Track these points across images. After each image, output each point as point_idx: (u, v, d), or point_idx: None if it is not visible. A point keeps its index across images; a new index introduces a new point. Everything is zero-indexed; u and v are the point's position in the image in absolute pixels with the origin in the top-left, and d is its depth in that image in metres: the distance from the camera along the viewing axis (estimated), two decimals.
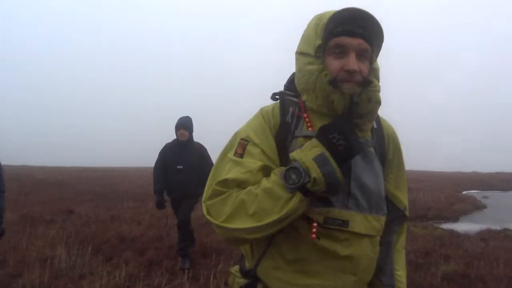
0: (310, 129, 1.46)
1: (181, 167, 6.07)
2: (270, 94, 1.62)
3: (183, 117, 6.33)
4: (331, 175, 1.27)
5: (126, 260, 5.98)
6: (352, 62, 1.36)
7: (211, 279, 4.97)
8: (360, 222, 1.43)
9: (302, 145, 1.37)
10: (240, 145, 1.48)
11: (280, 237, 1.43)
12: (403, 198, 1.65)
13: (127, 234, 7.75)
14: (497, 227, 10.42)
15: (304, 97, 1.49)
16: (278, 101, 1.57)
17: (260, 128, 1.50)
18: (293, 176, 1.28)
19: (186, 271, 5.34)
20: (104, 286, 4.81)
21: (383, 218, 1.51)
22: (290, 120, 1.48)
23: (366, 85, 1.39)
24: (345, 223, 1.40)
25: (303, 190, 1.29)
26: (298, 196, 1.30)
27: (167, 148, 6.34)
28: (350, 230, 1.41)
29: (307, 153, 1.30)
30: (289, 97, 1.55)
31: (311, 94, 1.45)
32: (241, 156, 1.45)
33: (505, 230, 10.04)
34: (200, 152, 6.26)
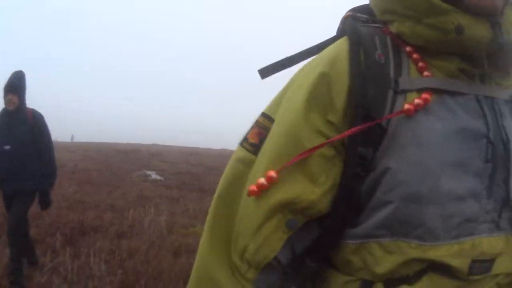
0: (426, 73, 0.77)
1: (9, 147, 4.33)
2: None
3: (12, 74, 4.40)
4: None
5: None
6: None
7: (92, 257, 5.36)
8: (508, 253, 0.77)
9: (423, 105, 0.72)
10: (257, 129, 0.80)
11: None
12: None
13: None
14: None
15: (395, 27, 0.80)
16: (348, 36, 0.80)
17: (319, 87, 0.76)
18: None
19: (68, 249, 5.59)
20: None
21: None
22: (383, 60, 0.76)
23: None
24: (489, 263, 0.75)
25: None
26: None
27: None
28: (493, 273, 0.76)
29: None
30: (366, 24, 0.85)
31: (410, 21, 0.77)
32: (255, 150, 0.77)
33: None
34: (35, 121, 4.46)
